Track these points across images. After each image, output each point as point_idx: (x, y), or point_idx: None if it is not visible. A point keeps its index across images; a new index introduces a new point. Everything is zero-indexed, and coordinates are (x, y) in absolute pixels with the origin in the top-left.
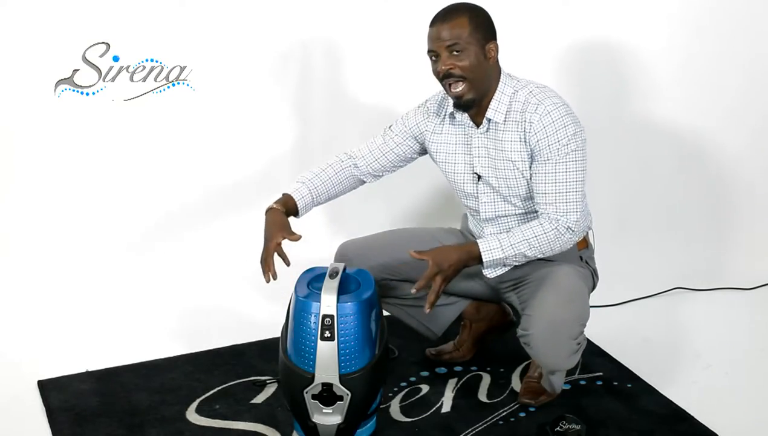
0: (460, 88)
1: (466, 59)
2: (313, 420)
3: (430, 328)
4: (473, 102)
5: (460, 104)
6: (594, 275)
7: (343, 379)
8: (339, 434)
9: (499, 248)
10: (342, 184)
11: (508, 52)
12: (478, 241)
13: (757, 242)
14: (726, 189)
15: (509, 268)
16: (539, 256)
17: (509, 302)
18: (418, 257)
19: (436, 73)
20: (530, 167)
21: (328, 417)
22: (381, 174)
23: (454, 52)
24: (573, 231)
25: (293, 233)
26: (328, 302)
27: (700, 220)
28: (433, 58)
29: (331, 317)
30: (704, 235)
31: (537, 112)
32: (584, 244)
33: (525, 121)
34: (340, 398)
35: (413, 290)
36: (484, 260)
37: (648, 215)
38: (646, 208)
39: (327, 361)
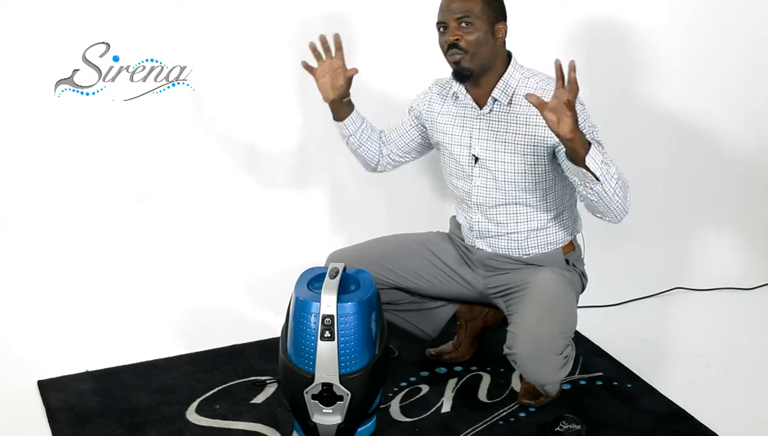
0: (459, 56)
1: (474, 33)
2: (313, 420)
3: (424, 330)
4: (471, 73)
5: (458, 72)
6: (582, 278)
7: (343, 379)
8: (339, 434)
9: (598, 149)
10: (372, 141)
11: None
12: None
13: (757, 242)
14: (727, 189)
15: (599, 184)
16: (619, 189)
17: (500, 307)
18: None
19: (442, 45)
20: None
21: (328, 417)
22: (392, 157)
23: (463, 25)
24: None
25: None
26: (328, 302)
27: (700, 219)
28: (441, 29)
29: (331, 317)
30: (704, 234)
31: None
32: (570, 247)
33: None
34: (340, 398)
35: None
36: (592, 144)
37: (647, 215)
38: (646, 207)
39: (327, 361)
